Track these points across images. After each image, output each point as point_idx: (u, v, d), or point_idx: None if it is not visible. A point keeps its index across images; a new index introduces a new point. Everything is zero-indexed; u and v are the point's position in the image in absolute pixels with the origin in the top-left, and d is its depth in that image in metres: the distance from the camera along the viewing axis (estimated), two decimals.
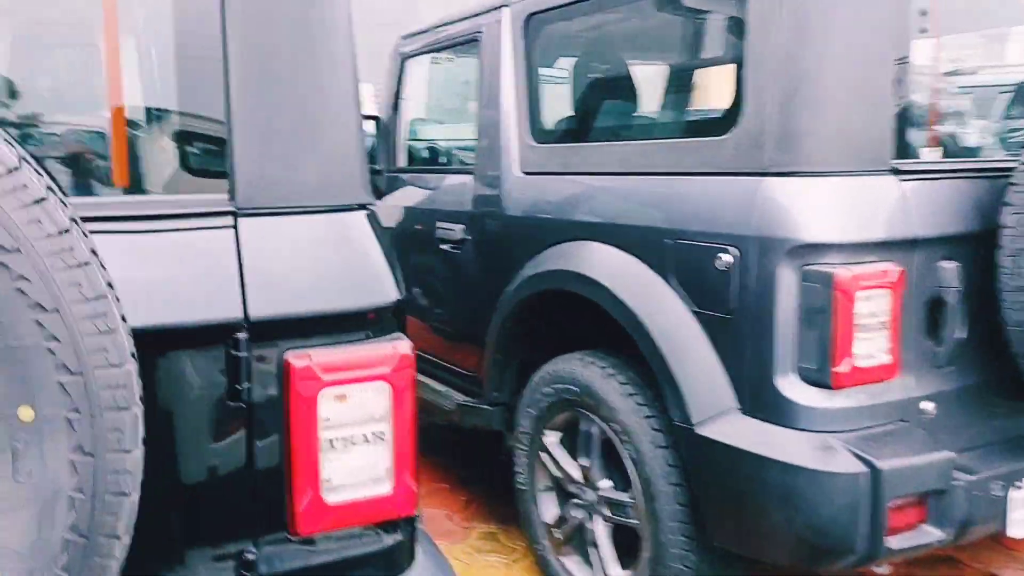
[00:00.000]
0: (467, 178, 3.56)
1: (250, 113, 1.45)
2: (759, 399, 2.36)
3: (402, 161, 4.25)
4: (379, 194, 4.26)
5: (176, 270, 1.37)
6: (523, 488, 3.27)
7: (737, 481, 2.39)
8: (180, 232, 1.39)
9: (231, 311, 1.37)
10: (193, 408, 1.39)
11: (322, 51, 1.53)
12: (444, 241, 3.68)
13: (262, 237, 1.44)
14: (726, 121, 2.50)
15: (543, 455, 3.15)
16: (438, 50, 4.01)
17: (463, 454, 4.56)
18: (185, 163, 1.65)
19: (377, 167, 4.21)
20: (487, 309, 3.39)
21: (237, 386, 1.39)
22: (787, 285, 2.28)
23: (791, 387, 2.31)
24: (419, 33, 4.12)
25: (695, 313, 2.51)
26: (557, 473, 3.11)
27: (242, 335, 1.37)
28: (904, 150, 2.53)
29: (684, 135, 2.71)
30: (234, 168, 1.44)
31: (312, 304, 1.45)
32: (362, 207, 1.56)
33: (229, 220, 1.42)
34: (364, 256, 1.53)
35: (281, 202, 1.48)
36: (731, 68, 2.50)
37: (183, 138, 1.63)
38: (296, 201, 1.49)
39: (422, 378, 4.09)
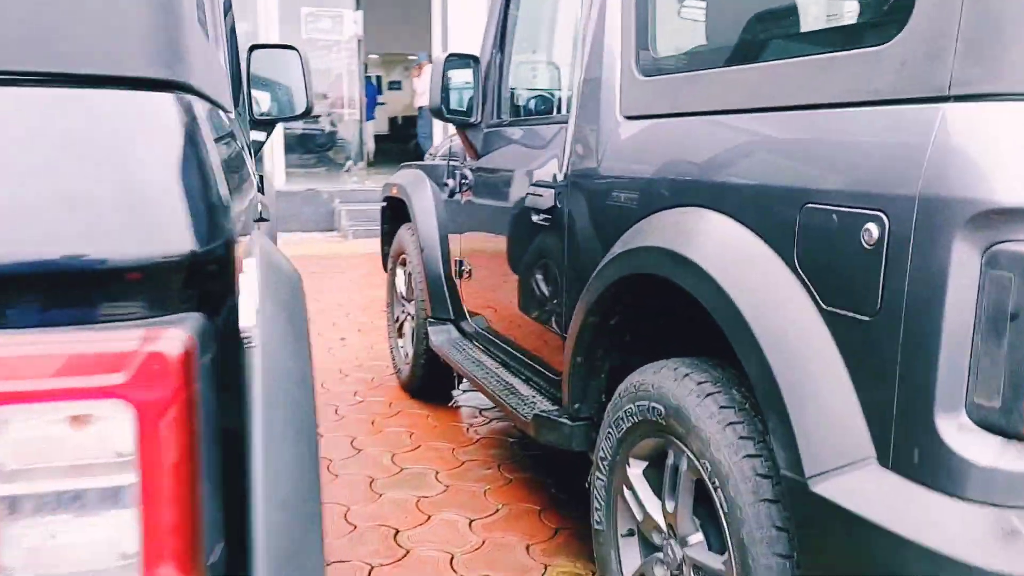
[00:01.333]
0: (563, 129, 2.83)
1: None
2: (908, 448, 1.52)
3: (504, 112, 3.55)
4: (475, 154, 3.59)
5: None
6: (600, 528, 2.52)
7: (866, 568, 1.57)
8: None
9: None
10: None
11: None
12: (535, 210, 2.96)
13: None
14: (888, 22, 1.66)
15: (626, 490, 2.39)
16: None
17: (564, 468, 3.83)
18: None
19: (473, 120, 3.53)
20: (575, 297, 2.65)
21: None
22: (965, 273, 1.43)
23: (959, 433, 1.46)
24: None
25: (824, 313, 1.69)
26: (639, 516, 2.34)
27: None
28: None
29: (827, 48, 1.88)
30: None
31: None
32: (161, 86, 0.89)
33: None
34: (130, 166, 0.85)
35: None
36: None
37: None
38: None
39: (507, 376, 3.40)
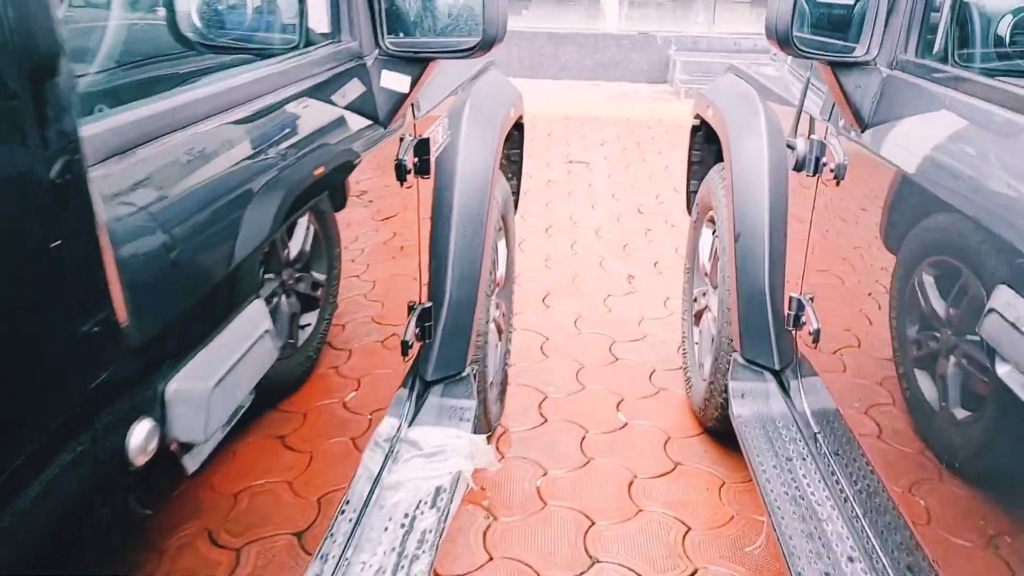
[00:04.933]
0: None
1: None
2: None
3: (938, 42, 1.66)
4: (859, 121, 1.75)
5: None
6: None
7: None
8: None
9: None
10: None
11: None
12: (989, 323, 1.16)
13: None
14: None
15: None
16: None
17: None
18: None
19: (860, 54, 1.68)
20: None
21: None
22: None
23: None
24: None
25: None
26: None
27: None
28: None
29: None
30: None
31: None
32: None
33: None
34: None
35: None
36: None
37: None
38: None
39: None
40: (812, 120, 2.10)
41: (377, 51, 1.77)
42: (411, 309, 2.07)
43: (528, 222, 5.36)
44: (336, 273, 1.55)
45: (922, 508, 1.53)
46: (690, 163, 3.42)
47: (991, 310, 1.19)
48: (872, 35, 1.69)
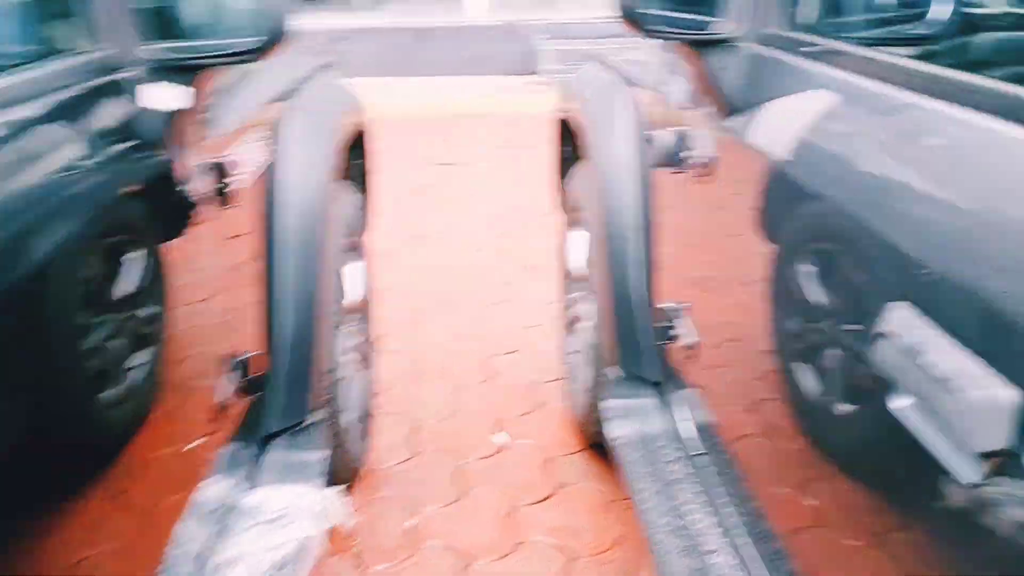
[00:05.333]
0: None
1: None
2: None
3: (814, 10, 1.47)
4: (724, 105, 1.54)
5: None
6: None
7: None
8: None
9: None
10: None
11: None
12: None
13: None
14: None
15: None
16: None
17: None
18: None
19: (723, 28, 1.47)
20: None
21: None
22: None
23: None
24: None
25: None
26: None
27: None
28: None
29: None
30: None
31: None
32: None
33: None
34: None
35: None
36: None
37: None
38: None
39: None
40: (675, 109, 1.89)
41: (137, 60, 1.44)
42: (226, 363, 1.76)
43: (397, 234, 5.06)
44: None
45: (808, 532, 1.34)
46: (559, 160, 3.19)
47: (879, 334, 0.99)
48: (737, 8, 1.48)
